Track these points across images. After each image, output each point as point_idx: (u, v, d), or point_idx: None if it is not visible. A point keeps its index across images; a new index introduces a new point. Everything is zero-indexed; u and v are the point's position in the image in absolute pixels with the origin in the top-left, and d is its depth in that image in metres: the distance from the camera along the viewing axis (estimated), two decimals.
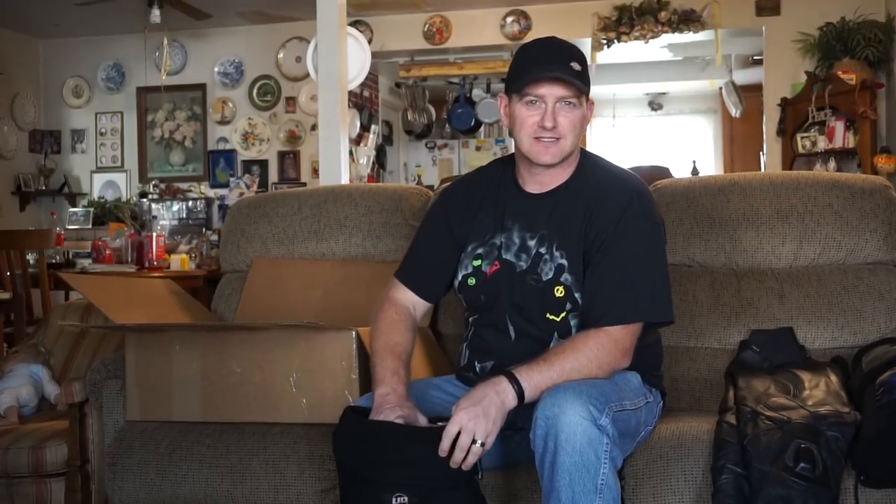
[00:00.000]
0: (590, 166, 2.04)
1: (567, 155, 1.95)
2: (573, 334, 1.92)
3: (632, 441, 1.91)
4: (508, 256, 1.99)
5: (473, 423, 1.68)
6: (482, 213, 2.05)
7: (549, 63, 1.90)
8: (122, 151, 8.40)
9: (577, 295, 1.92)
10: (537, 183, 2.01)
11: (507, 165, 2.09)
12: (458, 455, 1.68)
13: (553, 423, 1.66)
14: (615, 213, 1.92)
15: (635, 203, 1.94)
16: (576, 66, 1.90)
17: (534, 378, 1.75)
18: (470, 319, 2.09)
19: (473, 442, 1.68)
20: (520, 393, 1.74)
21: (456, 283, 2.06)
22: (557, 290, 1.93)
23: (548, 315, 1.94)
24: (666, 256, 1.98)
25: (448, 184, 2.28)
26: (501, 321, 1.99)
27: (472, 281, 2.03)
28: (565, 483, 1.65)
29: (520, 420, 1.81)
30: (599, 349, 1.83)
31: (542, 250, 1.96)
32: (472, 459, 1.69)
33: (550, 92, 1.89)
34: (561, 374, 1.77)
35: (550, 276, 1.94)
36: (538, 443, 1.69)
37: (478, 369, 2.02)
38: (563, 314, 1.94)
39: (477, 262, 2.03)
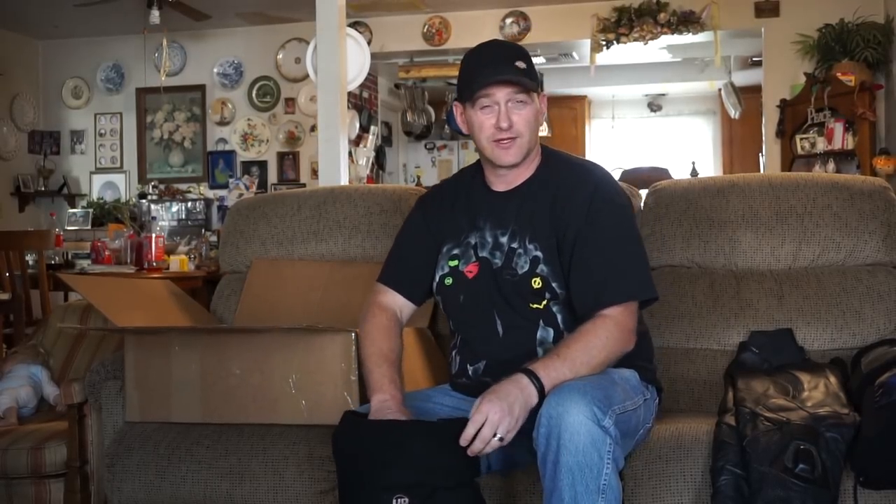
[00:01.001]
0: (552, 160, 2.09)
1: (527, 152, 2.00)
2: (559, 322, 1.96)
3: (631, 440, 1.92)
4: (484, 254, 2.03)
5: (499, 417, 1.69)
6: (457, 215, 2.10)
7: (496, 65, 1.95)
8: (122, 152, 8.39)
9: (554, 285, 1.95)
10: (504, 182, 2.06)
11: (477, 169, 2.14)
12: (477, 445, 1.70)
13: (556, 422, 1.66)
14: (583, 202, 1.97)
15: (601, 188, 1.99)
16: (521, 64, 1.95)
17: (551, 374, 1.77)
18: (451, 326, 2.11)
19: (493, 435, 1.69)
20: (540, 389, 1.75)
21: (434, 284, 2.08)
22: (534, 281, 1.96)
23: (531, 305, 1.97)
24: (640, 234, 2.03)
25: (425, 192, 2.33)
26: (488, 318, 2.00)
27: (448, 281, 2.05)
28: (568, 483, 1.65)
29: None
30: (608, 337, 1.86)
31: (515, 245, 2.00)
32: (487, 451, 1.71)
33: (500, 93, 1.94)
34: (572, 368, 1.79)
35: (526, 268, 1.97)
36: (541, 441, 1.69)
37: (470, 372, 2.02)
38: (544, 302, 1.96)
39: (453, 263, 2.05)
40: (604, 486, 1.67)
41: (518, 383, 1.75)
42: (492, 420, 1.69)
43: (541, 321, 1.96)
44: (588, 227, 1.94)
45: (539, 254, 1.97)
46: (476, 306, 2.01)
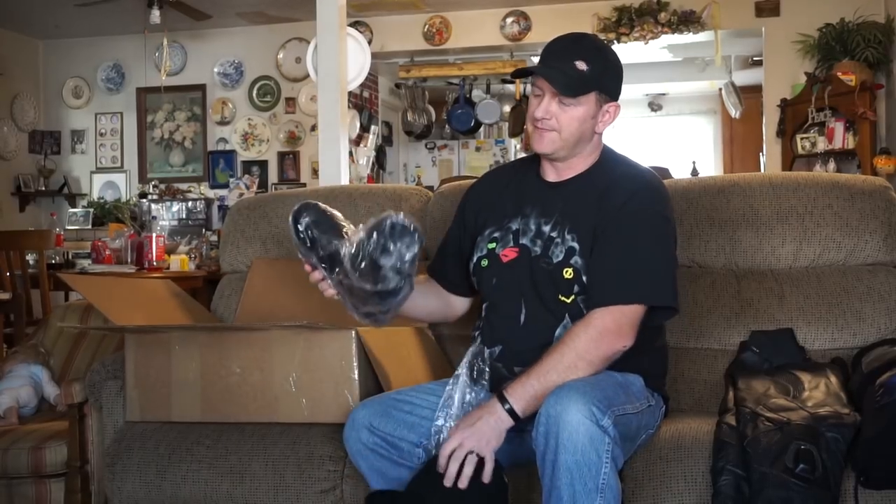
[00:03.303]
0: (609, 160, 2.09)
1: (562, 147, 1.99)
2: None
3: (632, 444, 1.92)
4: (525, 241, 2.03)
5: (463, 438, 1.75)
6: (504, 199, 2.11)
7: (553, 58, 1.96)
8: (122, 152, 8.40)
9: (585, 278, 1.95)
10: (555, 172, 2.07)
11: (535, 159, 2.15)
12: (452, 467, 1.74)
13: (555, 421, 1.67)
14: (621, 201, 1.96)
15: (642, 193, 1.98)
16: (581, 65, 1.93)
17: (518, 391, 1.80)
18: (483, 305, 2.12)
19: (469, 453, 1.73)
20: (511, 410, 1.79)
21: (471, 265, 2.10)
22: (566, 271, 1.95)
23: (559, 297, 1.96)
24: (672, 249, 2.01)
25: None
26: (514, 305, 2.00)
27: (484, 263, 2.06)
28: (566, 482, 1.66)
29: (521, 422, 1.82)
30: (582, 340, 1.85)
31: (554, 234, 2.00)
32: (468, 470, 1.74)
33: (547, 86, 1.95)
34: (539, 377, 1.81)
35: (560, 258, 1.97)
36: (539, 440, 1.70)
37: (486, 355, 2.02)
38: (572, 297, 1.95)
39: (491, 245, 2.07)
40: (602, 486, 1.67)
41: (488, 409, 1.80)
42: (464, 445, 1.75)
43: (566, 316, 1.96)
44: (614, 228, 1.93)
45: (575, 245, 1.97)
46: (505, 291, 2.02)
